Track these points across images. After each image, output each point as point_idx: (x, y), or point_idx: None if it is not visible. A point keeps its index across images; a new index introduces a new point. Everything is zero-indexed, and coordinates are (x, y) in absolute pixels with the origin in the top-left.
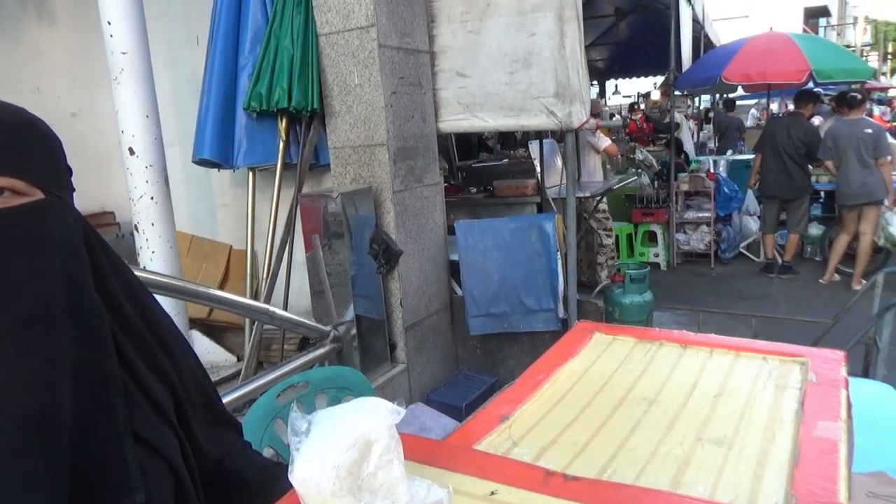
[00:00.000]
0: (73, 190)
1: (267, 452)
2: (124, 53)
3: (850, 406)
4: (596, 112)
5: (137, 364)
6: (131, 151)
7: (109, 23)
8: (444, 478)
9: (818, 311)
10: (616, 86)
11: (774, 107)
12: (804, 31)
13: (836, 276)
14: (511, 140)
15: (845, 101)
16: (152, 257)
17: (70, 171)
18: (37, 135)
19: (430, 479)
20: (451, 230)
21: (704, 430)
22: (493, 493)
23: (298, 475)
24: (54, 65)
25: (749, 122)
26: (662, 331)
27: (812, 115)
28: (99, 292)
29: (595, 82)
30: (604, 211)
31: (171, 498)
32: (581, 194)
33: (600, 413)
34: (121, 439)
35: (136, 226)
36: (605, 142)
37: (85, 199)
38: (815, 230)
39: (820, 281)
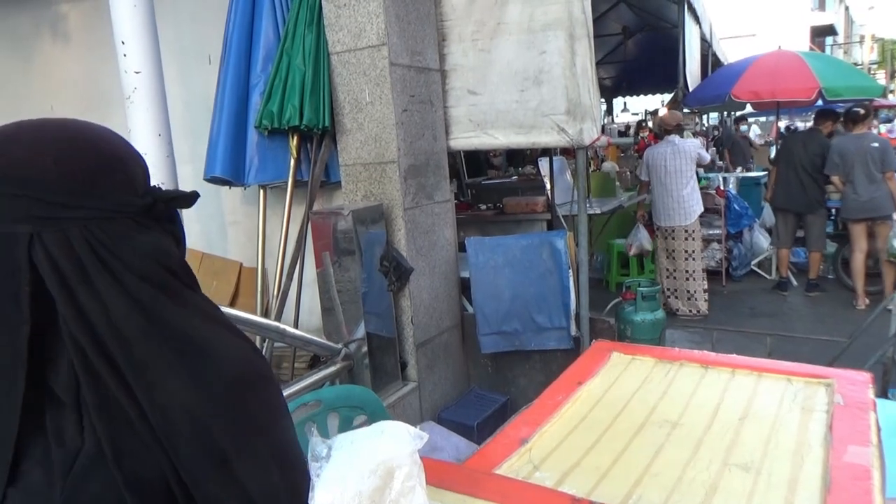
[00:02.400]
0: (41, 218)
1: None
2: (137, 73)
3: (879, 429)
4: (676, 122)
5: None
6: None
7: (123, 42)
8: None
9: (832, 330)
10: (625, 103)
11: (782, 124)
12: (811, 49)
13: (867, 300)
14: (519, 158)
15: (849, 117)
16: None
17: (90, 184)
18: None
19: None
20: (461, 247)
21: (731, 455)
22: None
23: (320, 502)
24: (67, 84)
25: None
26: (682, 350)
27: (831, 133)
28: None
29: (603, 100)
30: (690, 232)
31: None
32: (592, 211)
33: (622, 436)
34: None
35: None
36: (708, 156)
37: None
38: (828, 248)
39: (857, 307)
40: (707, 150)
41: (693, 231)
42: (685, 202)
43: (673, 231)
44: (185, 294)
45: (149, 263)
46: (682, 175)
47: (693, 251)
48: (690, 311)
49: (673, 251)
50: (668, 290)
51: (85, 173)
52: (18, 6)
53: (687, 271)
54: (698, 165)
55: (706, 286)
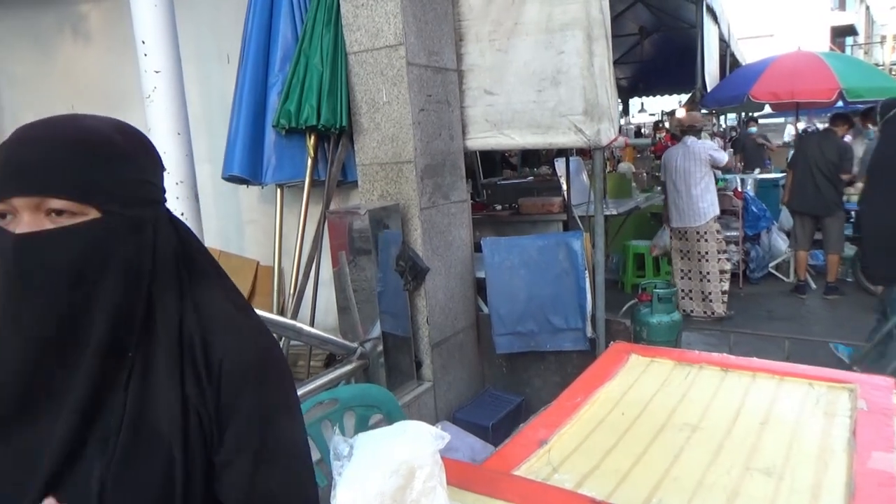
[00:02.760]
0: (155, 201)
1: None
2: (157, 72)
3: None
4: (691, 123)
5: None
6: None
7: (143, 42)
8: None
9: (851, 333)
10: (642, 104)
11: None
12: (831, 49)
13: None
14: (534, 158)
15: (870, 117)
16: None
17: (148, 184)
18: (90, 152)
19: None
20: (477, 247)
21: (752, 459)
22: None
23: (341, 501)
24: (89, 83)
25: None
26: (702, 353)
27: (845, 135)
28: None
29: (619, 100)
30: (721, 231)
31: None
32: (608, 212)
33: (641, 439)
34: (90, 468)
35: None
36: (725, 157)
37: None
38: (846, 250)
39: None
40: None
41: (705, 232)
42: (696, 203)
43: (685, 232)
44: (226, 278)
45: (201, 244)
46: (692, 176)
47: (706, 252)
48: (705, 312)
49: (687, 252)
50: (683, 290)
51: (157, 161)
52: (42, 6)
53: (701, 272)
54: (714, 167)
55: (725, 288)
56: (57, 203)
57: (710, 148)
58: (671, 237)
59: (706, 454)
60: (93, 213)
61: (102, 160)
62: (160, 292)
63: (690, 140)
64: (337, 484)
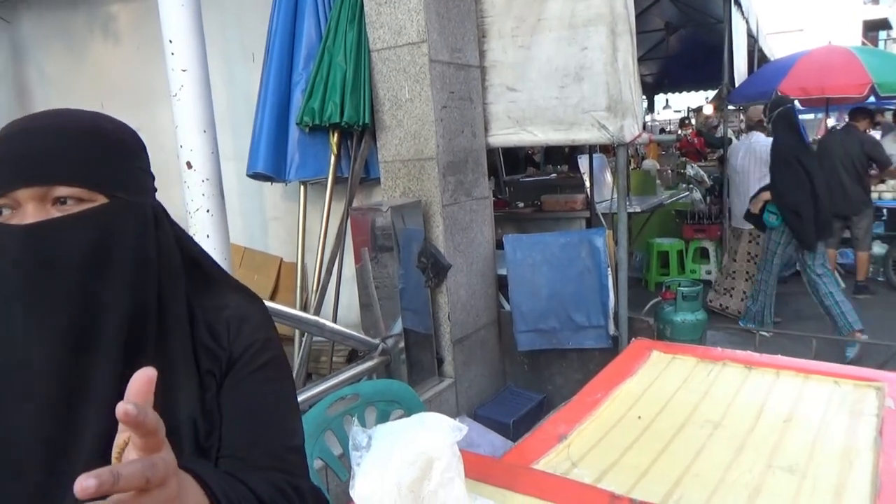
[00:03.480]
0: (155, 191)
1: (317, 464)
2: (184, 70)
3: None
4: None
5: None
6: (189, 165)
7: (171, 41)
8: (504, 498)
9: (881, 333)
10: (667, 100)
11: (831, 121)
12: (863, 44)
13: None
14: (558, 155)
15: None
16: None
17: (149, 174)
18: (97, 140)
19: (490, 499)
20: (499, 245)
21: (775, 457)
22: None
23: (360, 491)
24: (118, 82)
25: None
26: (725, 350)
27: (867, 131)
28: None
29: (644, 97)
30: (755, 235)
31: None
32: (631, 210)
33: (662, 435)
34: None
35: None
36: None
37: None
38: (877, 249)
39: None
40: None
41: (759, 235)
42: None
43: (740, 233)
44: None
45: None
46: (750, 175)
47: (756, 255)
48: (739, 311)
49: (736, 251)
50: (724, 288)
51: (145, 150)
52: (73, 6)
53: (748, 272)
54: None
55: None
56: (64, 191)
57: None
58: (730, 235)
59: (728, 451)
60: (100, 199)
61: (103, 146)
62: (167, 282)
63: (755, 136)
64: (355, 474)
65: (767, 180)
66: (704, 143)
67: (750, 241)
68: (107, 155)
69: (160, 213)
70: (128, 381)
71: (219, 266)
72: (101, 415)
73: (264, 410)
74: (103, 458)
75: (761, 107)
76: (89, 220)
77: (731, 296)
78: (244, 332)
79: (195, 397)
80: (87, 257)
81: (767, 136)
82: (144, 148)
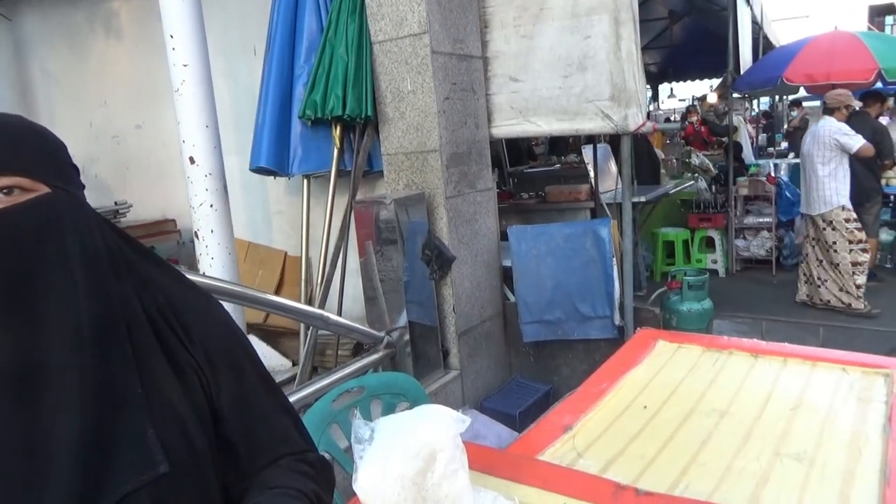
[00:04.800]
0: (83, 187)
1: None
2: (186, 66)
3: None
4: (838, 103)
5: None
6: (192, 160)
7: (172, 36)
8: (509, 489)
9: (890, 320)
10: (671, 89)
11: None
12: (869, 29)
13: None
14: (562, 146)
15: None
16: (211, 263)
17: (77, 170)
18: (36, 137)
19: (494, 491)
20: (503, 236)
21: (782, 445)
22: None
23: (362, 484)
24: (120, 78)
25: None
26: (731, 339)
27: (879, 115)
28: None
29: (648, 86)
30: (853, 220)
31: (194, 475)
32: (637, 199)
33: (668, 424)
34: (141, 417)
35: (196, 233)
36: (858, 142)
37: (147, 207)
38: (885, 236)
39: None
40: (757, 136)
41: (831, 221)
42: (819, 189)
43: (812, 220)
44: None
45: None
46: (815, 160)
47: (834, 242)
48: (843, 303)
49: (817, 240)
50: (820, 279)
51: (65, 153)
52: (73, 3)
53: (832, 262)
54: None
55: (859, 281)
56: (8, 180)
57: (837, 132)
58: (805, 223)
59: (735, 440)
60: (42, 189)
61: (40, 141)
62: (117, 270)
63: (823, 121)
64: (358, 467)
65: (831, 166)
66: (710, 131)
67: (824, 229)
68: (44, 148)
69: (92, 209)
70: (93, 366)
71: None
72: (63, 403)
73: (257, 404)
74: (76, 448)
75: (843, 91)
76: (36, 208)
77: (827, 288)
78: (207, 324)
79: (175, 385)
80: (38, 244)
81: (840, 120)
82: (66, 147)
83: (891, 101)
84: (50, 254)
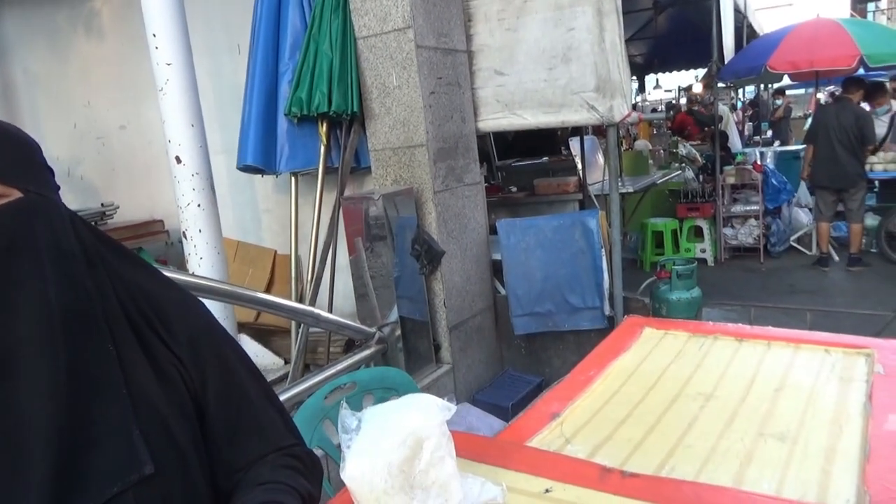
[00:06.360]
0: (58, 188)
1: (316, 453)
2: (169, 64)
3: None
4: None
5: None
6: (178, 160)
7: (154, 35)
8: (497, 475)
9: (875, 304)
10: (657, 80)
11: (822, 96)
12: (851, 16)
13: None
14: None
15: None
16: (200, 263)
17: (52, 171)
18: (8, 141)
19: (482, 477)
20: (492, 230)
21: (766, 425)
22: (547, 491)
23: (350, 473)
24: (103, 79)
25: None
26: (716, 324)
27: (861, 101)
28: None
29: (634, 77)
30: None
31: (180, 474)
32: (624, 190)
33: (655, 409)
34: (125, 416)
35: (184, 233)
36: None
37: (135, 208)
38: (870, 221)
39: None
40: (744, 124)
41: None
42: None
43: None
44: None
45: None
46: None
47: None
48: None
49: None
50: None
51: (39, 155)
52: (55, 3)
53: None
54: None
55: None
56: None
57: None
58: None
59: (720, 422)
60: (15, 194)
61: (13, 145)
62: (93, 269)
63: None
64: (345, 456)
65: None
66: (695, 122)
67: None
68: (16, 152)
69: (69, 211)
70: (68, 358)
71: (139, 257)
72: (37, 391)
73: (244, 398)
74: (91, 411)
75: None
76: (6, 213)
77: None
78: (188, 320)
79: (155, 382)
80: (11, 251)
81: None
82: (41, 148)
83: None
84: (21, 261)
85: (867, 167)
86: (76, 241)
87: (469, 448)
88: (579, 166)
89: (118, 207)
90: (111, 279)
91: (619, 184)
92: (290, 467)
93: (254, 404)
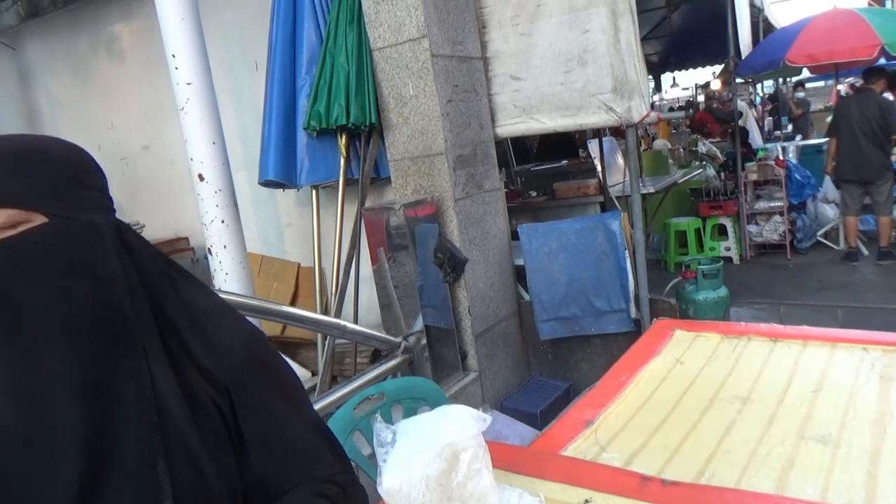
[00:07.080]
0: (105, 207)
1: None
2: (189, 84)
3: None
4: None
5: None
6: (201, 177)
7: (174, 55)
8: (534, 486)
9: None
10: (674, 78)
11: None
12: (869, 5)
13: None
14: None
15: None
16: (226, 279)
17: (95, 188)
18: (34, 162)
19: (519, 488)
20: (514, 235)
21: (806, 428)
22: (587, 502)
23: (387, 486)
24: (125, 100)
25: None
26: (749, 325)
27: (883, 91)
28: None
29: (650, 76)
30: None
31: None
32: (645, 190)
33: (690, 414)
34: (151, 447)
35: (209, 249)
36: None
37: (159, 227)
38: None
39: None
40: (764, 119)
41: None
42: None
43: None
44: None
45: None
46: None
47: None
48: None
49: None
50: None
51: (98, 169)
52: (75, 30)
53: None
54: None
55: None
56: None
57: None
58: None
59: (758, 425)
60: (38, 219)
61: (39, 166)
62: (142, 293)
63: None
64: (382, 470)
65: None
66: (714, 119)
67: None
68: (37, 173)
69: (124, 230)
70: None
71: (197, 279)
72: (61, 401)
73: (287, 425)
74: (116, 443)
75: None
76: (26, 242)
77: None
78: (234, 344)
79: (184, 409)
80: (29, 281)
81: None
82: (91, 164)
83: None
84: (37, 290)
85: (893, 158)
86: (118, 262)
87: (504, 458)
88: (599, 168)
89: (144, 226)
90: (160, 300)
91: (640, 184)
92: (325, 496)
93: (298, 431)
